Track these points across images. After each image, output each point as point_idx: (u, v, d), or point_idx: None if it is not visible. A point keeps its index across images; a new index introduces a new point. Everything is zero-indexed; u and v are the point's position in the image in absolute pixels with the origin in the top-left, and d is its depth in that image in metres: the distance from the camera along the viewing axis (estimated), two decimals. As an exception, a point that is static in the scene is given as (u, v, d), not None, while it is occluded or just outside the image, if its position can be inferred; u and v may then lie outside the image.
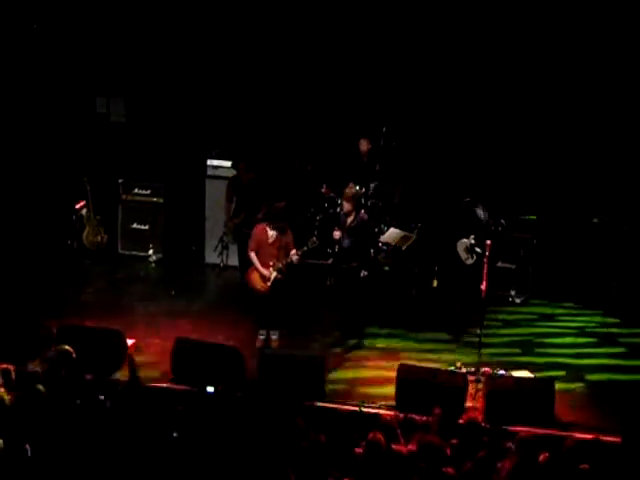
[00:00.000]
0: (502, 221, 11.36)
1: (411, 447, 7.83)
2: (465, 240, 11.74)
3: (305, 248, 11.26)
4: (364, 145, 13.41)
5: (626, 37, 13.18)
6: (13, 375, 8.48)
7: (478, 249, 11.63)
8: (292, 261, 11.22)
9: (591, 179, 13.55)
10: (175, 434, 7.92)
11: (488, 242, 10.80)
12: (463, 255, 11.82)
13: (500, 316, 12.39)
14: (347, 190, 11.67)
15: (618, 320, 12.31)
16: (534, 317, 12.60)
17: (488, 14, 13.54)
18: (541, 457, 7.61)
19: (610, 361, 11.32)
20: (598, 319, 12.41)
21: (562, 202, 13.67)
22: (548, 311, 12.75)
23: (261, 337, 11.48)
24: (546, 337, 11.95)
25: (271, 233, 11.30)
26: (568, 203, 13.66)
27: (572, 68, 13.49)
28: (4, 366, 8.56)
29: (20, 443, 7.45)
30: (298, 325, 12.00)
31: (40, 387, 8.06)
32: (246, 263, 11.70)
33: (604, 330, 11.92)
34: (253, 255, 11.40)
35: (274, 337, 11.44)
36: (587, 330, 12.16)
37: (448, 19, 13.70)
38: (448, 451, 7.68)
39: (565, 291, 13.00)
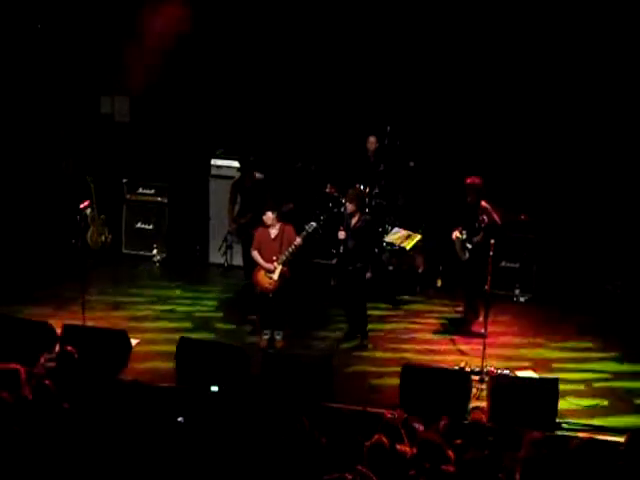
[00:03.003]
0: (483, 218, 11.42)
1: (415, 450, 7.83)
2: (458, 235, 11.76)
3: (304, 233, 11.24)
4: (372, 143, 13.40)
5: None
6: (23, 375, 8.49)
7: (469, 244, 11.65)
8: (295, 247, 11.22)
9: (595, 178, 13.54)
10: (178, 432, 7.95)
11: (492, 241, 10.80)
12: (459, 251, 11.83)
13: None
14: (350, 191, 11.66)
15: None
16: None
17: (494, 16, 13.52)
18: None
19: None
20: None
21: (565, 200, 13.66)
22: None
23: (265, 337, 11.49)
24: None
25: (272, 230, 11.32)
26: (571, 201, 13.65)
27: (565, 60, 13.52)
28: (12, 366, 8.56)
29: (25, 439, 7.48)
30: (302, 325, 12.01)
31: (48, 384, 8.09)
32: (251, 264, 11.71)
33: None
34: (256, 253, 11.42)
35: (278, 337, 11.44)
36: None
37: (454, 20, 13.68)
38: (450, 451, 7.67)
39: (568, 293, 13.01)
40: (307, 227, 11.26)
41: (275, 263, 11.24)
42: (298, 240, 11.20)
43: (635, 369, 11.09)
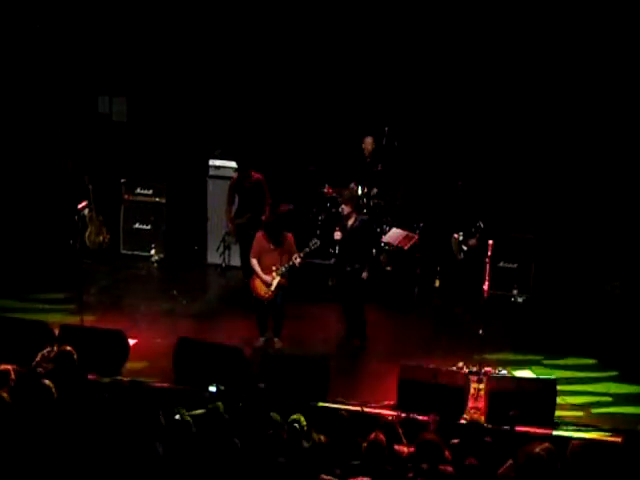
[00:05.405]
0: (480, 224, 11.41)
1: (412, 448, 7.83)
2: (456, 235, 11.79)
3: (307, 250, 11.25)
4: (369, 144, 13.40)
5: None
6: (12, 375, 8.49)
7: (464, 246, 11.67)
8: (295, 264, 11.20)
9: (593, 178, 13.54)
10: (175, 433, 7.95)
11: (490, 242, 10.80)
12: (455, 251, 11.85)
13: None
14: (345, 192, 11.65)
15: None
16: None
17: (494, 17, 13.53)
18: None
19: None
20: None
21: (564, 200, 13.66)
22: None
23: (262, 338, 11.47)
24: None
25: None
26: (570, 201, 13.65)
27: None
28: (4, 367, 8.56)
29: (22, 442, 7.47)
30: (300, 325, 11.99)
31: (48, 383, 8.07)
32: (249, 265, 11.69)
33: None
34: (255, 262, 11.38)
35: (276, 338, 11.43)
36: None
37: (452, 21, 13.69)
38: (447, 452, 7.67)
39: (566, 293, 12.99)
40: (311, 244, 11.25)
41: (273, 274, 11.22)
42: (298, 260, 11.15)
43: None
